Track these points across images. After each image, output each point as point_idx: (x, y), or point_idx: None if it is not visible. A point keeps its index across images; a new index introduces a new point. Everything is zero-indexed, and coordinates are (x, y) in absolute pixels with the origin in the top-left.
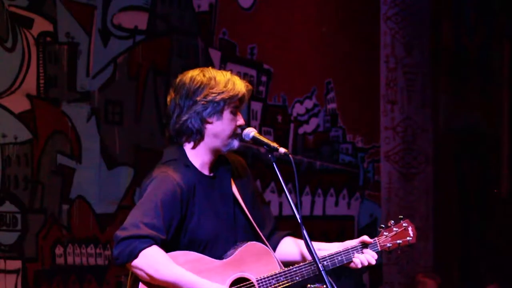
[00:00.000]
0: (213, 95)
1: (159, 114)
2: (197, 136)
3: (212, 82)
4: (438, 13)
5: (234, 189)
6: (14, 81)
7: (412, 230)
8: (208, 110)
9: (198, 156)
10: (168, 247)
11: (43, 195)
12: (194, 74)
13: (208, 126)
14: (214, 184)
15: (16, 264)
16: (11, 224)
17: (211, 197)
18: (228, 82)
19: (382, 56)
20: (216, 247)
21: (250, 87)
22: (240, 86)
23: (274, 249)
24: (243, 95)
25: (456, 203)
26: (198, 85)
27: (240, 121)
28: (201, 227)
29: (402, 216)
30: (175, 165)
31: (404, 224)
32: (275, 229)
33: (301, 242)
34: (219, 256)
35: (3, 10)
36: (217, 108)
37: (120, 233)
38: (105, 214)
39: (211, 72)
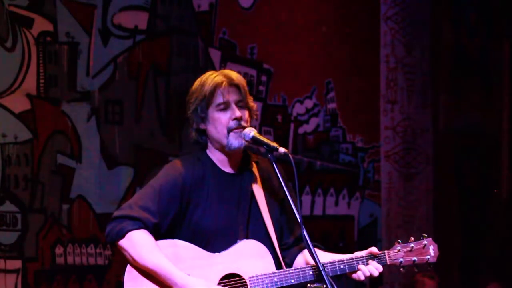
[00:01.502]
0: (192, 107)
1: (159, 114)
2: (202, 144)
3: (191, 92)
4: (438, 13)
5: (258, 190)
6: (14, 81)
7: (433, 249)
8: (195, 121)
9: (214, 155)
10: (171, 237)
11: (43, 195)
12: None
13: (207, 132)
14: (234, 181)
15: (16, 264)
16: (11, 224)
17: (226, 192)
18: (199, 86)
19: (382, 56)
20: (221, 241)
21: (224, 75)
22: (209, 83)
23: (294, 258)
24: (214, 89)
25: (456, 203)
26: (186, 100)
27: (235, 114)
28: (205, 219)
29: (425, 235)
30: (187, 157)
31: (424, 242)
32: (300, 239)
33: (321, 253)
34: (221, 251)
35: (3, 10)
36: (199, 115)
37: (115, 212)
38: (105, 214)
39: (198, 80)
